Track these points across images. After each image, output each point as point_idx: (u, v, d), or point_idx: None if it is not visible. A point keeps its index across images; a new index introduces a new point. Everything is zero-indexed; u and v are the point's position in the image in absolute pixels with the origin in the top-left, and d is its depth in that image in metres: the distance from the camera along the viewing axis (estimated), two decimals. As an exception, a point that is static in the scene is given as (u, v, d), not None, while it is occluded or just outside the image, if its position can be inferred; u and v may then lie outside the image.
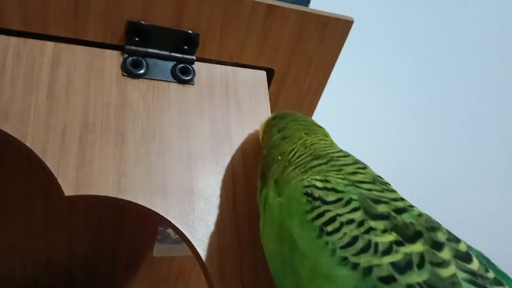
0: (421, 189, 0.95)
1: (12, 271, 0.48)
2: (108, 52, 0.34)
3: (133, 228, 0.50)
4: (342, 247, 0.21)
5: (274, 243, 0.25)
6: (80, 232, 0.47)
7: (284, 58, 0.41)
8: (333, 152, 0.27)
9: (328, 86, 0.45)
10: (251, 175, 0.35)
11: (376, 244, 0.20)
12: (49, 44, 0.32)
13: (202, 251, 0.31)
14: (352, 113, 0.81)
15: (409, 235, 0.21)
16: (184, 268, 0.56)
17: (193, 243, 0.31)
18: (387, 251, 0.20)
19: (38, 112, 0.30)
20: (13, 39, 0.31)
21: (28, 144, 0.29)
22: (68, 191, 0.29)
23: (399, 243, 0.20)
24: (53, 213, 0.44)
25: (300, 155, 0.28)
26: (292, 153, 0.29)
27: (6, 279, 0.48)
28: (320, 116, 0.45)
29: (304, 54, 0.41)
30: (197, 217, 0.32)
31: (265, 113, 0.39)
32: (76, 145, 0.30)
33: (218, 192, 0.34)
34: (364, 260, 0.20)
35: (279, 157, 0.29)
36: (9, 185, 0.41)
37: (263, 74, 0.41)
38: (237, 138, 0.37)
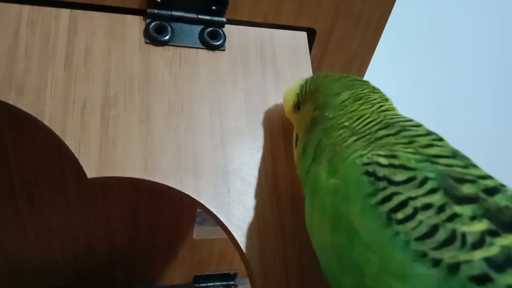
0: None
1: (53, 256, 0.47)
2: (129, 17, 0.31)
3: (171, 210, 0.48)
4: (418, 239, 0.17)
5: (327, 234, 0.20)
6: (117, 215, 0.46)
7: (327, 16, 0.35)
8: (404, 121, 0.22)
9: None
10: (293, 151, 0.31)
11: (464, 235, 0.16)
12: (65, 12, 0.29)
13: (240, 237, 0.27)
14: (401, 83, 0.73)
15: (505, 223, 0.17)
16: (226, 250, 0.54)
17: (229, 228, 0.27)
18: (479, 243, 0.16)
19: (55, 85, 0.27)
20: (26, 8, 0.29)
21: (46, 122, 0.27)
22: (90, 172, 0.26)
23: (493, 233, 0.16)
24: (88, 196, 0.43)
25: (368, 123, 0.23)
26: (361, 120, 0.23)
27: (48, 264, 0.48)
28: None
29: (350, 9, 0.35)
30: (233, 199, 0.28)
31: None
32: (98, 121, 0.28)
33: (256, 171, 0.30)
34: (448, 255, 0.16)
35: (345, 125, 0.23)
36: (41, 167, 0.40)
37: (303, 35, 0.36)
38: (276, 110, 0.32)
